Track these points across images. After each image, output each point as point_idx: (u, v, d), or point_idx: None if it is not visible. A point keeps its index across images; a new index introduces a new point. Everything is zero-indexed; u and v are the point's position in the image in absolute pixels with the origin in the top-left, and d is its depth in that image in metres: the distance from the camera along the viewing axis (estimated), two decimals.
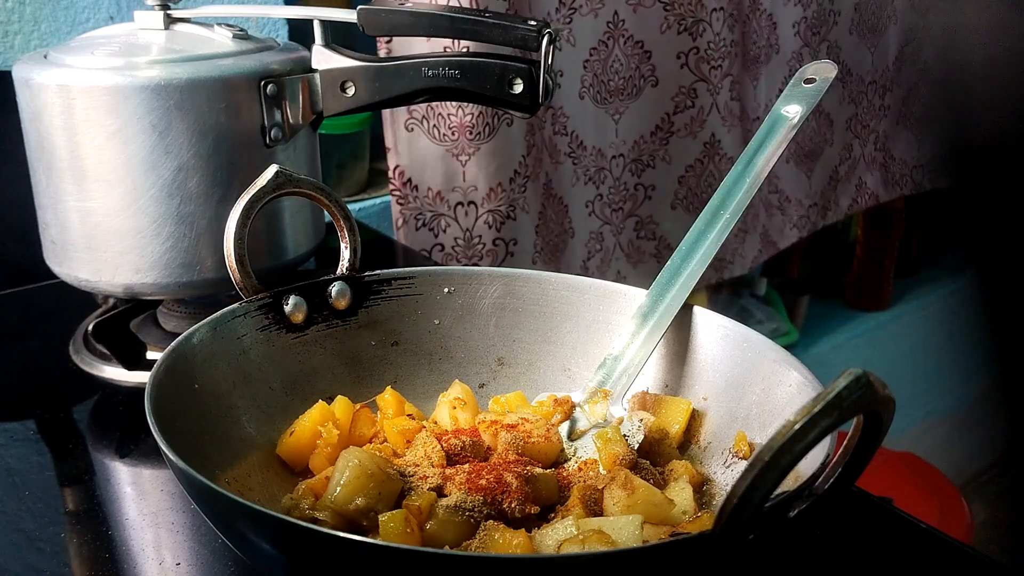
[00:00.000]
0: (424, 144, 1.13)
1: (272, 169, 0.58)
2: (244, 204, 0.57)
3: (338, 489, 0.48)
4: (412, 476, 0.51)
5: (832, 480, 0.41)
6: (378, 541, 0.41)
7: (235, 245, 0.57)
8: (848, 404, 0.34)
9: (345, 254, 0.63)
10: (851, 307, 2.14)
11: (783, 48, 1.57)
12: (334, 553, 0.37)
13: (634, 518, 0.46)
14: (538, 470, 0.52)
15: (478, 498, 0.48)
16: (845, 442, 0.40)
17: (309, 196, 0.61)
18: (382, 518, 0.46)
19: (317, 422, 0.56)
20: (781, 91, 1.75)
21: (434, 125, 1.12)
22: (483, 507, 0.48)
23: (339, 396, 0.59)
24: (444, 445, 0.54)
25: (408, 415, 0.60)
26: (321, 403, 0.58)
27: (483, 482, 0.49)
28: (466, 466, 0.52)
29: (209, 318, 0.56)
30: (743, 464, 0.53)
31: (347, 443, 0.56)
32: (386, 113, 1.10)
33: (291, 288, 0.61)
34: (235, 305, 0.58)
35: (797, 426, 0.34)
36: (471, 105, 1.12)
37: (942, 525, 0.56)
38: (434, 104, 1.11)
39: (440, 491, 0.50)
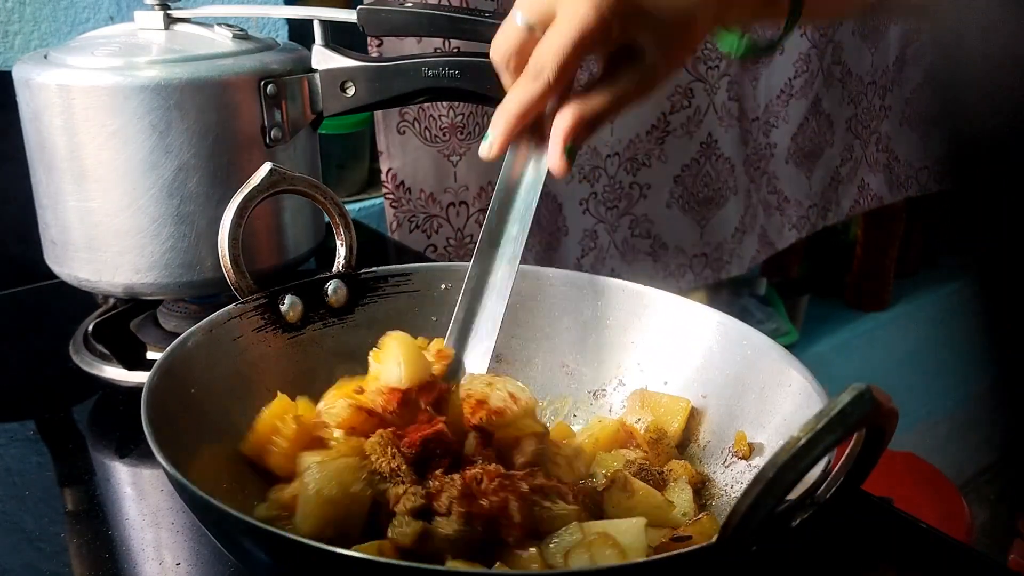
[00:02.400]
0: (416, 146, 1.12)
1: (266, 167, 0.58)
2: (238, 203, 0.57)
3: (304, 522, 0.45)
4: (389, 484, 0.46)
5: (834, 489, 0.41)
6: (379, 559, 0.40)
7: (229, 245, 0.57)
8: (852, 420, 0.34)
9: (341, 251, 0.63)
10: (851, 307, 2.13)
11: (788, 49, 1.56)
12: (336, 567, 0.37)
13: (637, 520, 0.46)
14: (557, 506, 0.46)
15: (476, 528, 0.44)
16: (847, 452, 0.40)
17: (303, 194, 0.61)
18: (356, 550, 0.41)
19: (276, 416, 0.51)
20: (783, 91, 1.73)
21: (425, 127, 1.12)
22: (480, 535, 0.44)
23: (300, 397, 0.55)
24: (406, 450, 0.48)
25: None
26: (282, 396, 0.53)
27: (484, 503, 0.45)
28: (456, 478, 0.46)
29: (204, 321, 0.56)
30: (743, 464, 0.53)
31: (310, 443, 0.52)
32: (378, 116, 1.09)
33: (287, 287, 0.60)
34: (230, 306, 0.58)
35: (800, 443, 0.34)
36: (461, 105, 1.12)
37: (942, 525, 0.56)
38: (425, 105, 1.11)
39: (428, 508, 0.46)
